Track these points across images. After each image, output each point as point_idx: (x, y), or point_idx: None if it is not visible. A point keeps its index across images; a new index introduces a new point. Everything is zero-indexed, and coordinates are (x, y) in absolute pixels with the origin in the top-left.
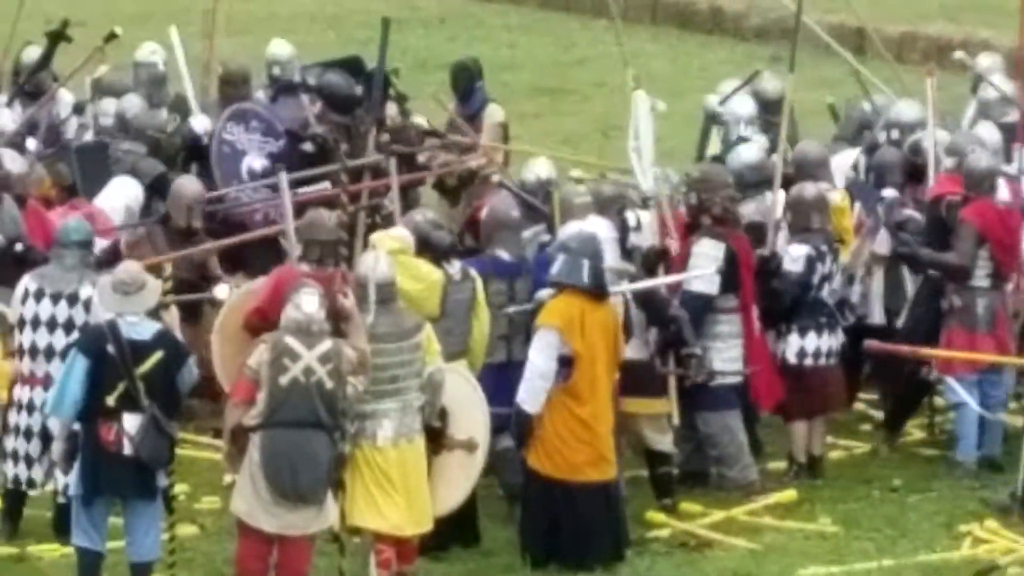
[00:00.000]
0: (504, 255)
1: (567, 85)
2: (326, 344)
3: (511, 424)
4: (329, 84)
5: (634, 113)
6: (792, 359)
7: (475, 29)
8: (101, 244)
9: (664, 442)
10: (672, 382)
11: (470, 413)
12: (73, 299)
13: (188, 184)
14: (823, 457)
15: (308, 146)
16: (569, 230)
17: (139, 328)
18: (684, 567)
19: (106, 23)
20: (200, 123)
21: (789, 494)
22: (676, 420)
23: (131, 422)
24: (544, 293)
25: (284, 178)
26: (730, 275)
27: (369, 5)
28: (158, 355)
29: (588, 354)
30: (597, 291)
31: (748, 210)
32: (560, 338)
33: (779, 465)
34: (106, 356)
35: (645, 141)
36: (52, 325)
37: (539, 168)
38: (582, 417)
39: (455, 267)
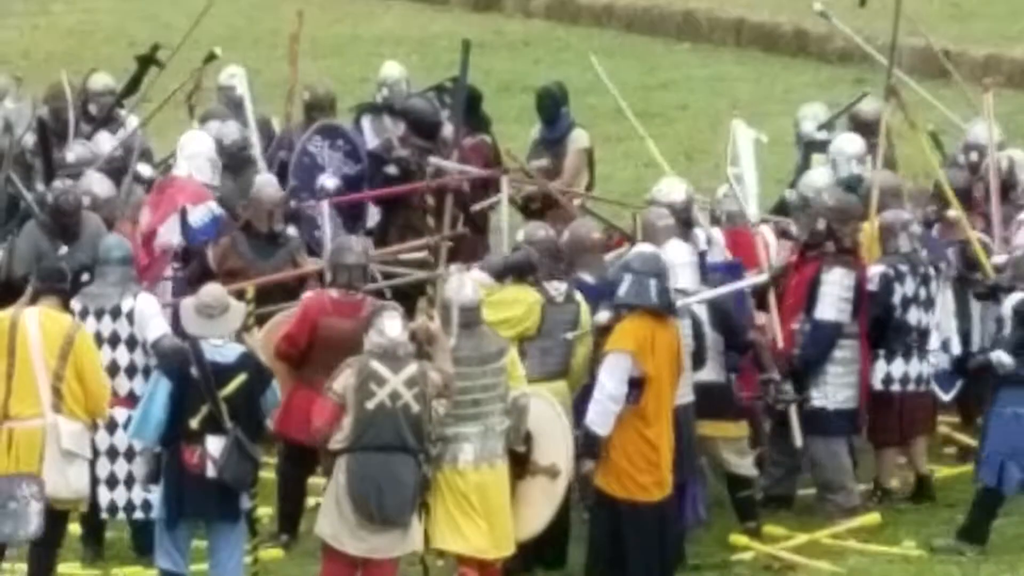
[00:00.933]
0: (588, 278)
1: (651, 108)
2: (412, 368)
3: (580, 445)
4: (413, 108)
5: (733, 140)
6: (878, 385)
7: (560, 52)
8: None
9: (744, 465)
10: (792, 408)
11: (554, 439)
12: (116, 313)
13: (267, 188)
14: (930, 475)
15: (392, 169)
16: (632, 253)
17: (223, 350)
18: None
19: (192, 45)
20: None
21: (873, 517)
22: (799, 442)
23: (215, 445)
24: (602, 316)
25: (326, 207)
26: (854, 302)
27: (454, 28)
28: (241, 378)
29: (658, 375)
30: (665, 310)
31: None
32: (632, 361)
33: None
34: (189, 379)
35: (747, 168)
36: (99, 341)
37: (673, 190)
38: (649, 438)
39: (558, 288)
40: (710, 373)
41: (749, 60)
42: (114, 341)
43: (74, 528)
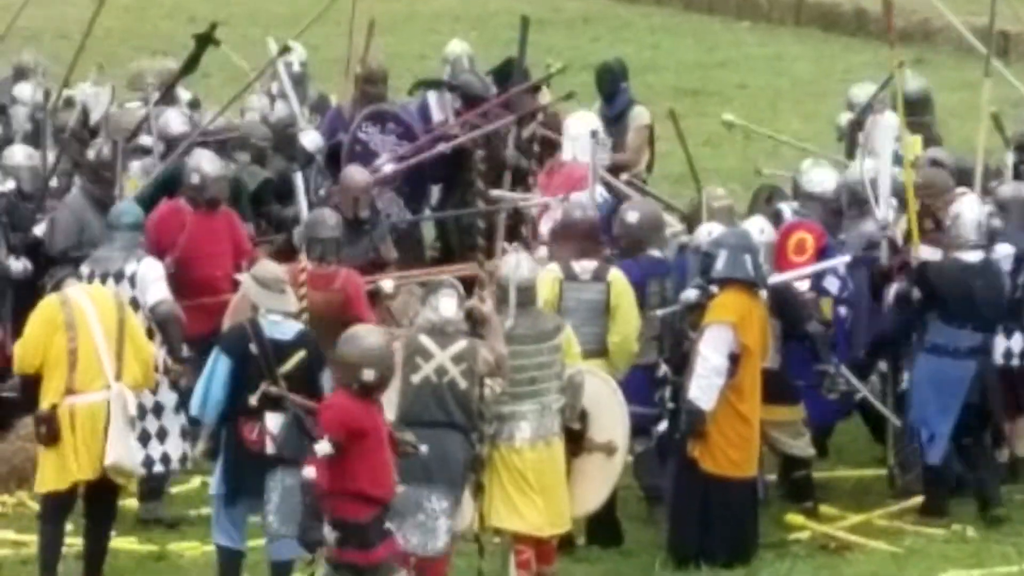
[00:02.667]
0: (658, 254)
1: (709, 87)
2: (461, 344)
3: (682, 421)
4: (466, 84)
5: (876, 136)
6: (999, 359)
7: (619, 30)
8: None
9: (799, 446)
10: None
11: (610, 416)
12: (119, 276)
13: (356, 174)
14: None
15: (444, 147)
16: (702, 232)
17: (282, 328)
18: (824, 570)
19: (251, 24)
20: (311, 140)
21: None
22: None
23: (273, 421)
24: (691, 293)
25: (299, 178)
26: None
27: (513, 5)
28: (300, 355)
29: (755, 349)
30: (759, 284)
31: (870, 228)
32: (734, 334)
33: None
34: (249, 356)
35: (884, 166)
36: None
37: (825, 179)
38: (743, 413)
39: (585, 266)
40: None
41: (808, 39)
42: None
43: (131, 504)
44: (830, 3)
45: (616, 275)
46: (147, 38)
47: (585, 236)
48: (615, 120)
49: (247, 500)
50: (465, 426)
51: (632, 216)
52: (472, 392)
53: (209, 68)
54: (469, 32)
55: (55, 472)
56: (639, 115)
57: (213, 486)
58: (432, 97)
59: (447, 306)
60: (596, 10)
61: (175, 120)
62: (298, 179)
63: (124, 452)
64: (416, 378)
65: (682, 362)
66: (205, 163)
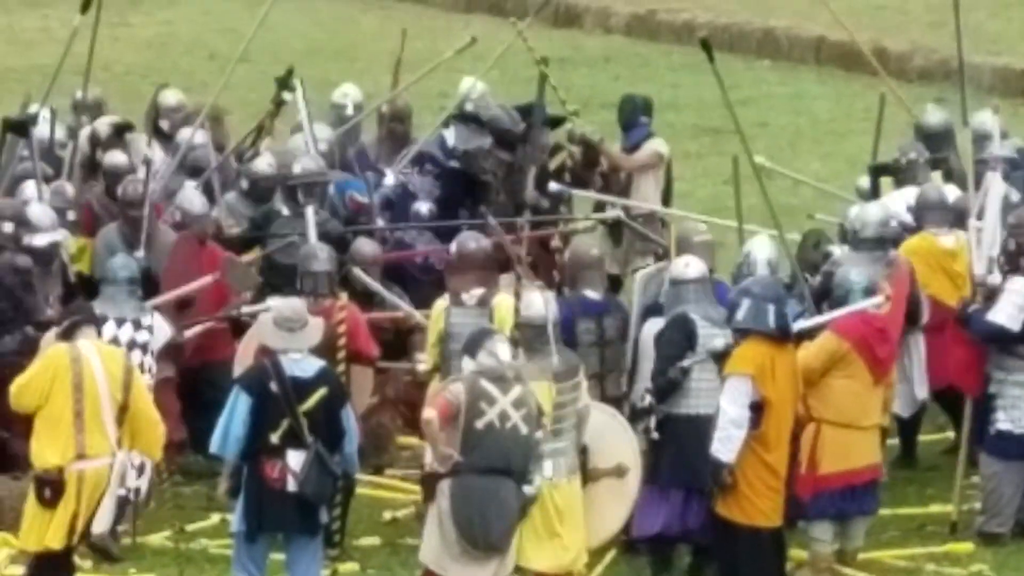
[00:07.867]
0: (591, 294)
1: (730, 125)
2: (518, 389)
3: (709, 474)
4: (495, 119)
5: (984, 193)
6: None
7: (639, 68)
8: None
9: None
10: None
11: (613, 438)
12: (137, 324)
13: (364, 247)
14: None
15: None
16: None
17: (302, 365)
18: None
19: (271, 59)
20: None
21: (966, 547)
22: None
23: (295, 459)
24: (718, 342)
25: (311, 212)
26: None
27: (534, 44)
28: (321, 392)
29: (779, 400)
30: (783, 335)
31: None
32: (752, 385)
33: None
34: (269, 394)
35: (990, 224)
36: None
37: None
38: (769, 463)
39: (473, 293)
40: None
41: (829, 78)
42: (131, 346)
43: (152, 539)
44: (850, 42)
45: (501, 300)
46: (167, 74)
47: (480, 266)
48: (631, 152)
49: (267, 537)
50: (519, 473)
51: (566, 254)
52: (532, 438)
53: (230, 106)
54: (490, 71)
55: (38, 532)
56: (655, 143)
57: (234, 523)
58: (449, 135)
59: (504, 351)
60: (616, 49)
61: (261, 160)
62: (309, 213)
63: (107, 521)
64: (480, 424)
65: (669, 388)
66: (186, 201)
